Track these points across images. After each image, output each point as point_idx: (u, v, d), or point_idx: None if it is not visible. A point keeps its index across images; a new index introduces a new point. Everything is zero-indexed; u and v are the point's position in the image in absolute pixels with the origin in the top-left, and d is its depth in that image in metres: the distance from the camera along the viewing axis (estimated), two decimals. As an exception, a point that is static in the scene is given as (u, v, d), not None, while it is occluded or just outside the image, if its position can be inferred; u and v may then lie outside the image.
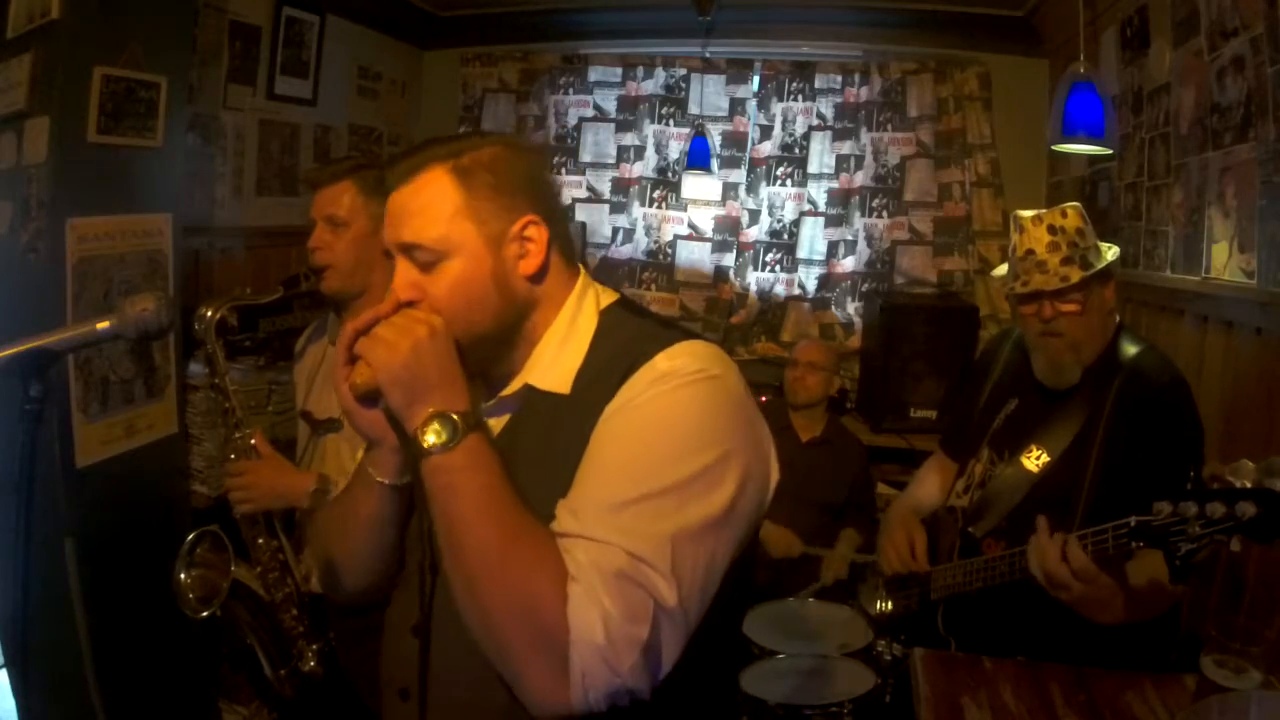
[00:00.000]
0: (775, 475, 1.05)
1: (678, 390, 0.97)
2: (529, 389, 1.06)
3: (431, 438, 0.94)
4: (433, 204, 1.02)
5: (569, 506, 0.94)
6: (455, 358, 0.99)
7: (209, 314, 1.84)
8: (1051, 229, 1.69)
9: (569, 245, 1.11)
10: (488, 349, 1.06)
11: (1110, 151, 2.66)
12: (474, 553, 0.92)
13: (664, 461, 0.93)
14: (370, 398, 1.01)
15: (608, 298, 1.12)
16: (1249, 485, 1.21)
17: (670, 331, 1.05)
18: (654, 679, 0.90)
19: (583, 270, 1.13)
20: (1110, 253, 1.74)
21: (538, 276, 1.06)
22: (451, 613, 0.98)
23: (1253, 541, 1.19)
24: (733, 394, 1.01)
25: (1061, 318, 1.67)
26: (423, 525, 1.03)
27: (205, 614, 1.81)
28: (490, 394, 1.09)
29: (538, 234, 1.05)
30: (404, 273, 1.04)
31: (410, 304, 1.02)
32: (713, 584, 0.95)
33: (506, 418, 1.08)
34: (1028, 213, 1.75)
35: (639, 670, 0.88)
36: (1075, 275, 1.64)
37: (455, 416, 0.95)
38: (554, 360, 1.06)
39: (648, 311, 1.17)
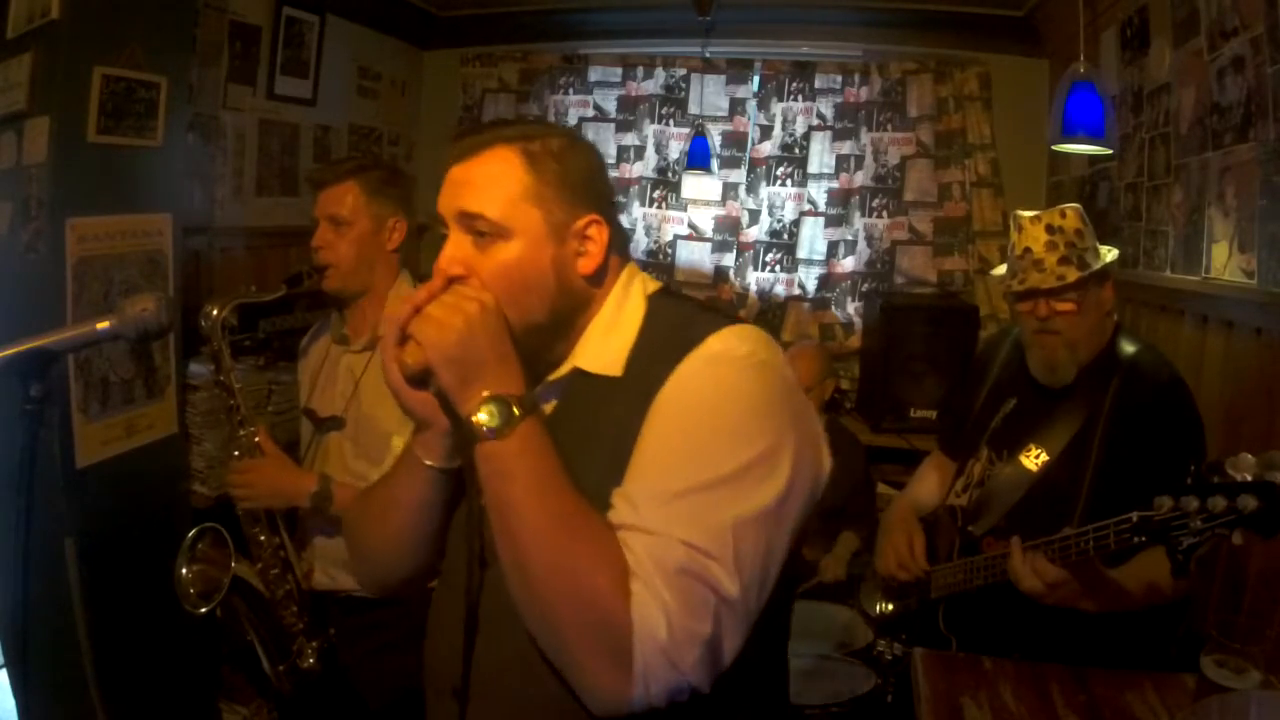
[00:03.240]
0: (828, 463, 1.03)
1: (730, 375, 0.96)
2: (577, 373, 1.05)
3: (485, 420, 0.91)
4: (500, 180, 1.00)
5: (626, 496, 0.92)
6: (508, 336, 0.97)
7: (214, 312, 1.84)
8: (1050, 228, 1.70)
9: (624, 243, 1.11)
10: (536, 338, 1.03)
11: (1110, 151, 2.66)
12: (532, 543, 0.90)
13: (719, 449, 0.92)
14: (421, 379, 0.98)
15: (653, 285, 1.11)
16: (1250, 479, 1.21)
17: (716, 315, 1.04)
18: (715, 673, 0.89)
19: (631, 260, 1.12)
20: (1109, 254, 1.75)
21: (595, 276, 1.05)
22: (501, 606, 0.96)
23: (1255, 535, 1.19)
24: (784, 379, 1.00)
25: (1057, 317, 1.67)
26: (472, 513, 1.01)
27: (205, 610, 1.82)
28: (535, 381, 1.05)
29: (599, 234, 1.04)
30: (455, 246, 1.01)
31: (458, 279, 0.99)
32: (771, 573, 0.93)
33: (553, 404, 1.06)
34: (1027, 212, 1.75)
35: (701, 665, 0.87)
36: (1072, 275, 1.65)
37: (510, 398, 0.92)
38: (602, 343, 1.05)
39: (691, 297, 1.19)
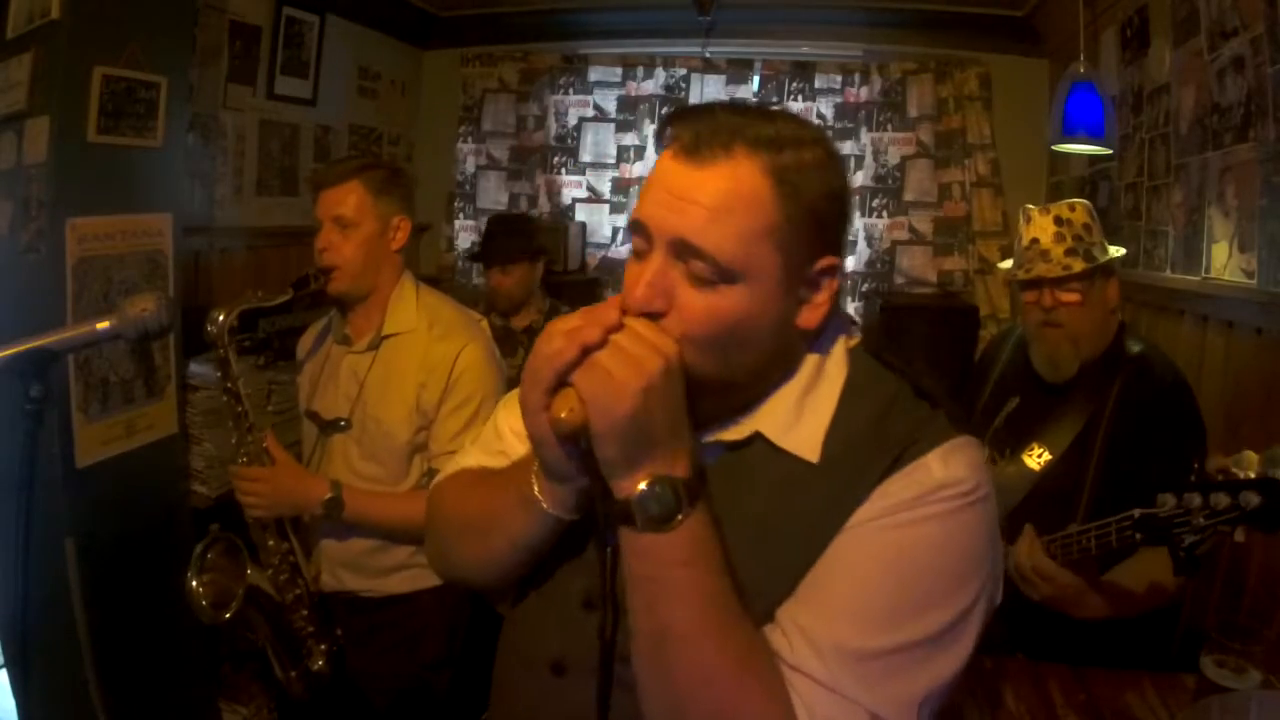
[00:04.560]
0: (999, 597, 0.88)
1: (953, 515, 0.80)
2: (761, 440, 0.86)
3: (648, 509, 0.76)
4: (741, 209, 0.78)
5: (805, 633, 0.78)
6: (685, 406, 0.79)
7: (221, 318, 1.81)
8: (1058, 220, 1.72)
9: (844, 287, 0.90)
10: (724, 394, 0.86)
11: (1110, 151, 2.66)
12: (687, 671, 0.76)
13: (927, 605, 0.78)
14: (574, 438, 0.80)
15: (854, 337, 0.93)
16: (1253, 476, 1.21)
17: (936, 414, 0.86)
18: None
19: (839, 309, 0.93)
20: (1116, 252, 1.76)
21: (815, 332, 0.87)
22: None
23: (1258, 531, 1.19)
24: (995, 515, 0.85)
25: (1061, 308, 1.68)
26: (602, 564, 0.85)
27: (222, 618, 1.81)
28: (699, 429, 0.85)
29: (833, 283, 0.85)
30: (661, 273, 0.80)
31: (651, 315, 0.80)
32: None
33: (712, 463, 0.87)
34: (1037, 206, 1.78)
35: None
36: (1077, 265, 1.66)
37: (679, 483, 0.77)
38: (795, 412, 0.86)
39: (894, 362, 0.94)
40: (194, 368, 2.36)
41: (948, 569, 0.80)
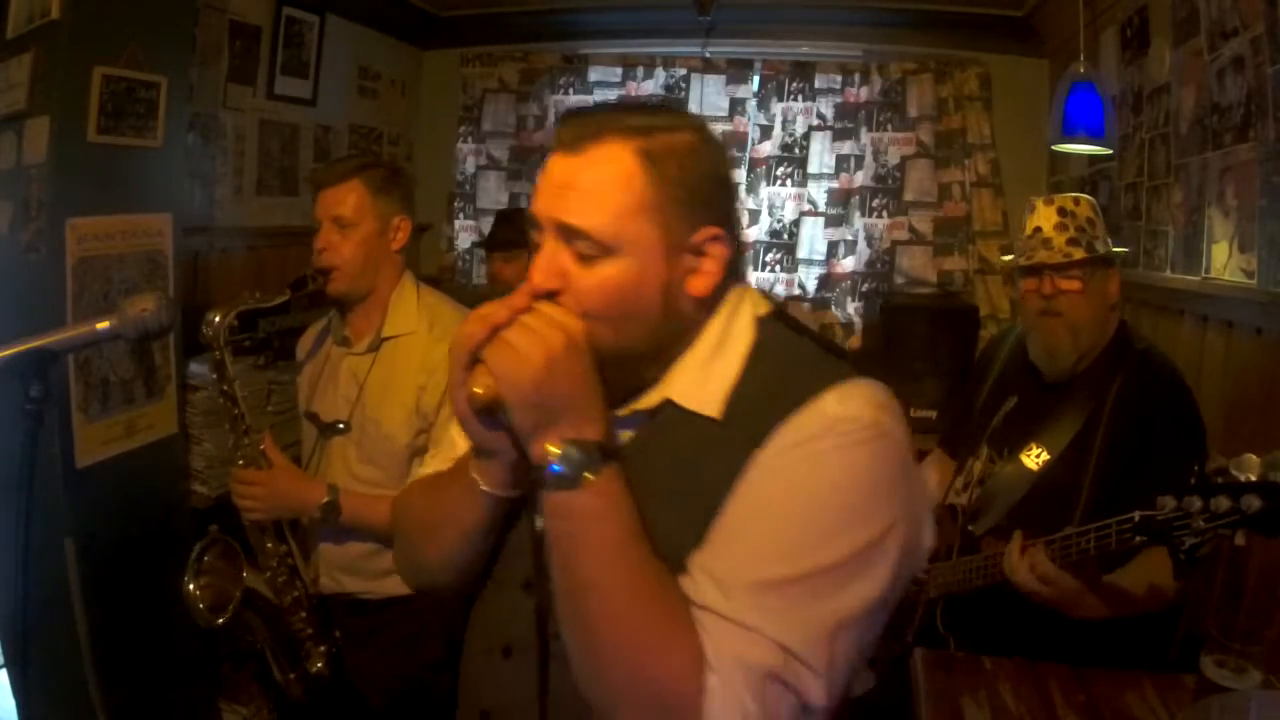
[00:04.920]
0: (930, 541, 0.91)
1: (850, 449, 0.83)
2: (670, 405, 0.92)
3: (559, 468, 0.82)
4: (612, 188, 0.86)
5: (710, 574, 0.82)
6: (593, 373, 0.85)
7: (217, 319, 1.81)
8: (1062, 211, 1.73)
9: (741, 258, 0.97)
10: (629, 365, 0.91)
11: (1110, 151, 2.66)
12: (600, 621, 0.81)
13: (828, 535, 0.81)
14: (490, 411, 0.86)
15: (762, 307, 0.97)
16: (1254, 479, 1.21)
17: (839, 363, 0.92)
18: None
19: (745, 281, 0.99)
20: (1118, 250, 1.77)
21: (707, 300, 0.92)
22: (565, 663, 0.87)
23: (1259, 535, 1.19)
24: (904, 452, 0.87)
25: (1061, 296, 1.68)
26: (532, 541, 0.90)
27: (218, 622, 1.80)
28: (616, 403, 0.92)
29: (718, 251, 0.91)
30: (551, 256, 0.88)
31: (547, 295, 0.87)
32: (859, 668, 0.85)
33: (632, 434, 0.94)
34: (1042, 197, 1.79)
35: None
36: (1079, 254, 1.68)
37: (588, 445, 0.82)
38: (702, 375, 0.91)
39: (805, 328, 0.99)
40: (194, 368, 2.36)
41: (846, 502, 0.82)
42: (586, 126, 0.88)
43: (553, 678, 0.92)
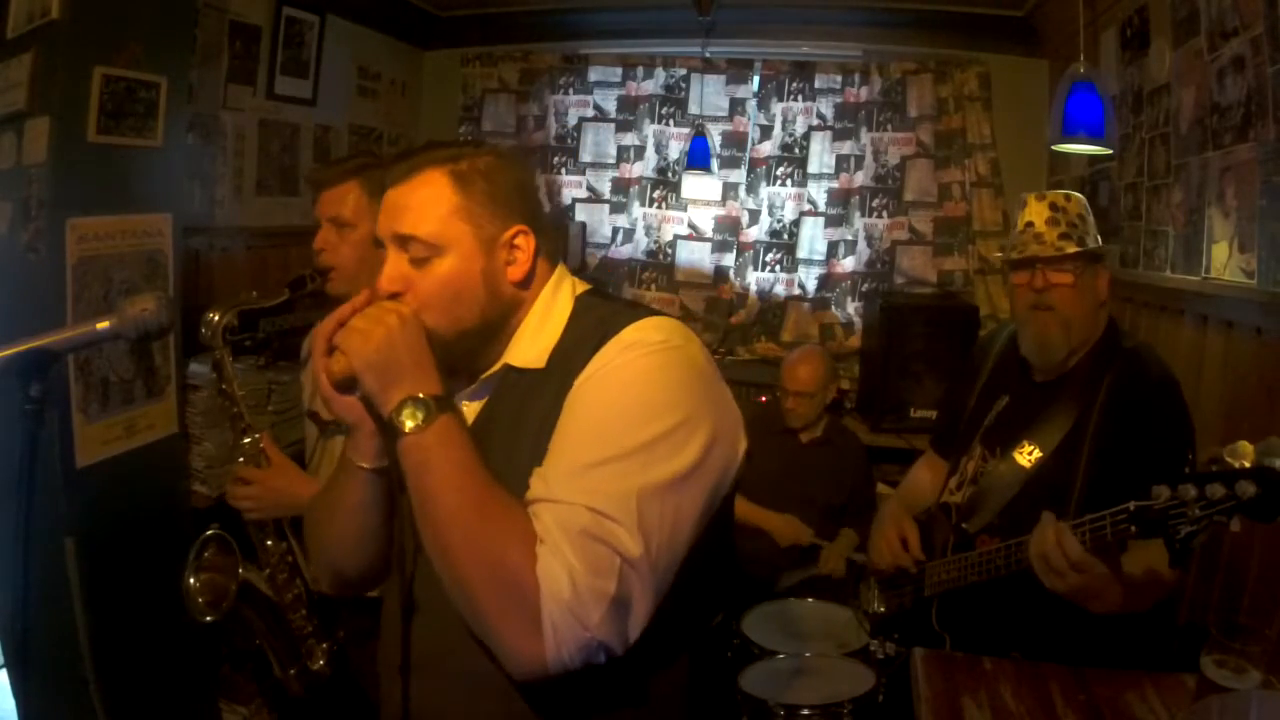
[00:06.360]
0: (744, 443, 1.11)
1: (642, 358, 1.03)
2: (508, 368, 1.13)
3: (405, 420, 1.00)
4: (430, 202, 1.08)
5: (540, 474, 1.00)
6: (426, 343, 1.05)
7: (216, 319, 1.80)
8: (1053, 206, 1.74)
9: (553, 247, 1.18)
10: (471, 343, 1.12)
11: (1110, 151, 2.66)
12: (446, 523, 0.97)
13: (628, 425, 0.99)
14: (347, 385, 1.06)
15: (582, 287, 1.19)
16: (1248, 465, 1.21)
17: (636, 309, 1.13)
18: (625, 634, 0.95)
19: (561, 263, 1.20)
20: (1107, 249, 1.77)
21: (524, 282, 1.14)
22: (436, 590, 1.02)
23: (1254, 521, 1.19)
24: (695, 363, 1.07)
25: (1053, 290, 1.69)
26: (402, 507, 1.08)
27: (214, 619, 1.80)
28: (471, 381, 1.16)
29: (526, 243, 1.12)
30: (393, 265, 1.09)
31: (392, 296, 1.07)
32: (682, 538, 1.00)
33: (486, 399, 1.15)
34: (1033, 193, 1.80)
35: (608, 623, 0.93)
36: (1070, 248, 1.69)
37: (427, 398, 1.00)
38: (531, 342, 1.13)
39: (619, 298, 1.26)
40: (194, 368, 2.36)
41: (645, 397, 1.01)
42: (410, 162, 1.11)
43: (420, 627, 1.12)
